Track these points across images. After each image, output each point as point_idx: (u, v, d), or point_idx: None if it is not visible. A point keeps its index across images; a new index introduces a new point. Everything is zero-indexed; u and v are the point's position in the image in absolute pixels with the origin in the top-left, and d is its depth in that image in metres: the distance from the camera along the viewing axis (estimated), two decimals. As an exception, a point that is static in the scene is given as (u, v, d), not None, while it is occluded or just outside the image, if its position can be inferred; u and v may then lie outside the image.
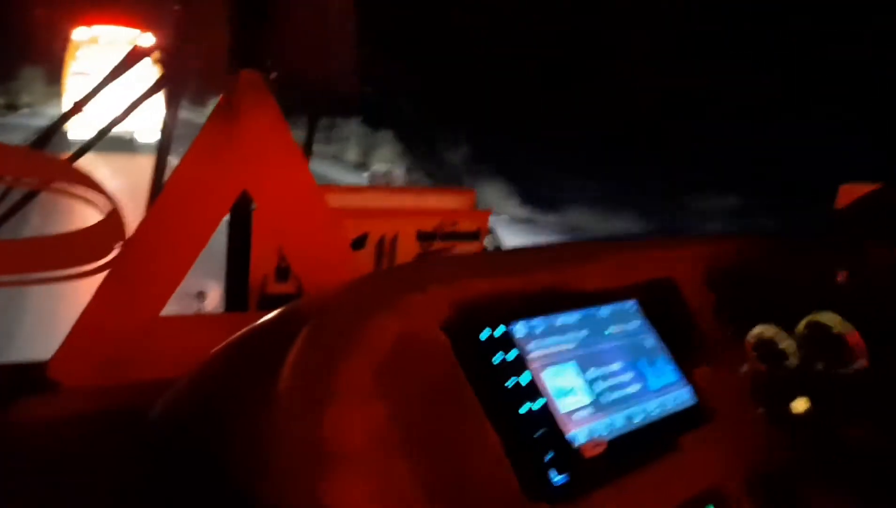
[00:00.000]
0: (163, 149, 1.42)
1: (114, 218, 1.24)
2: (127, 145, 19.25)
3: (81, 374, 1.25)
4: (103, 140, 1.51)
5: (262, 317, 1.40)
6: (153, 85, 1.36)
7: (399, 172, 1.67)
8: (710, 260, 1.11)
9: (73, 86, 19.49)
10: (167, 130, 1.41)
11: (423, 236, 1.46)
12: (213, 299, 1.52)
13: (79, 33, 19.72)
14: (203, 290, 1.50)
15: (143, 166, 1.37)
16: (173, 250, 1.26)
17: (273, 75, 1.27)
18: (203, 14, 1.24)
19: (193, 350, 1.33)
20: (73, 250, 1.23)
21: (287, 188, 1.30)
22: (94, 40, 19.68)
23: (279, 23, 1.25)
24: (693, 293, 1.04)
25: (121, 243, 1.24)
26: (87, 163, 1.26)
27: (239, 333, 0.85)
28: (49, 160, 1.23)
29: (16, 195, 1.29)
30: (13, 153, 1.24)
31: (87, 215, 1.22)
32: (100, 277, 1.24)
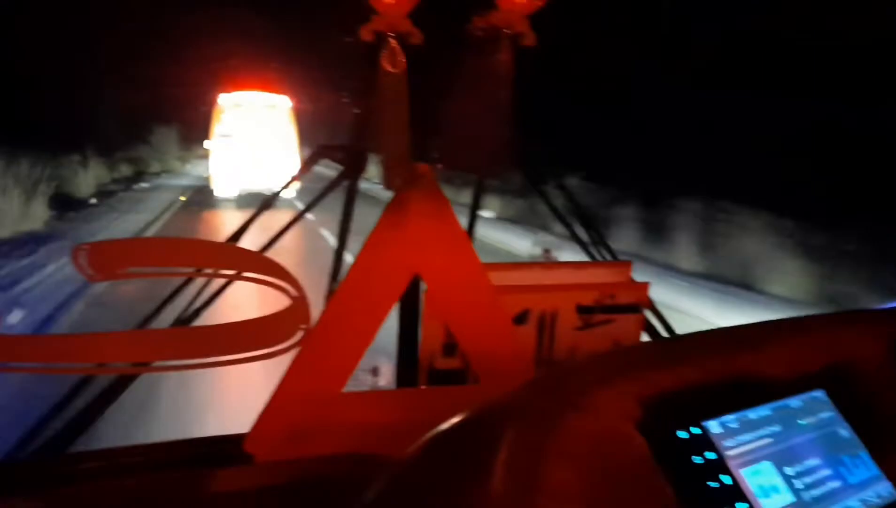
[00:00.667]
0: (342, 236, 1.53)
1: (300, 303, 1.35)
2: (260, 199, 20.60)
3: (273, 448, 1.36)
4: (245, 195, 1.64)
5: (431, 392, 1.48)
6: (336, 179, 1.48)
7: (555, 245, 1.71)
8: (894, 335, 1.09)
9: (219, 147, 21.24)
10: (346, 220, 1.52)
11: (583, 310, 1.50)
12: (386, 374, 1.62)
13: (224, 99, 21.59)
14: (377, 365, 1.59)
15: (282, 218, 1.50)
16: (354, 331, 1.36)
17: (439, 166, 1.35)
18: (379, 117, 1.35)
19: (372, 424, 1.42)
20: (264, 334, 1.35)
21: (454, 270, 1.38)
22: (237, 105, 21.49)
23: (446, 125, 1.35)
24: (881, 375, 1.01)
25: (305, 326, 1.35)
26: (234, 217, 1.40)
27: (440, 429, 0.90)
28: (246, 253, 1.36)
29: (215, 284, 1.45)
30: (216, 248, 1.39)
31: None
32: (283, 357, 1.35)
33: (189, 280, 1.42)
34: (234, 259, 1.36)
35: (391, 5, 1.24)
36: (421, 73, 1.28)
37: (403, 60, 1.28)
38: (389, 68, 1.27)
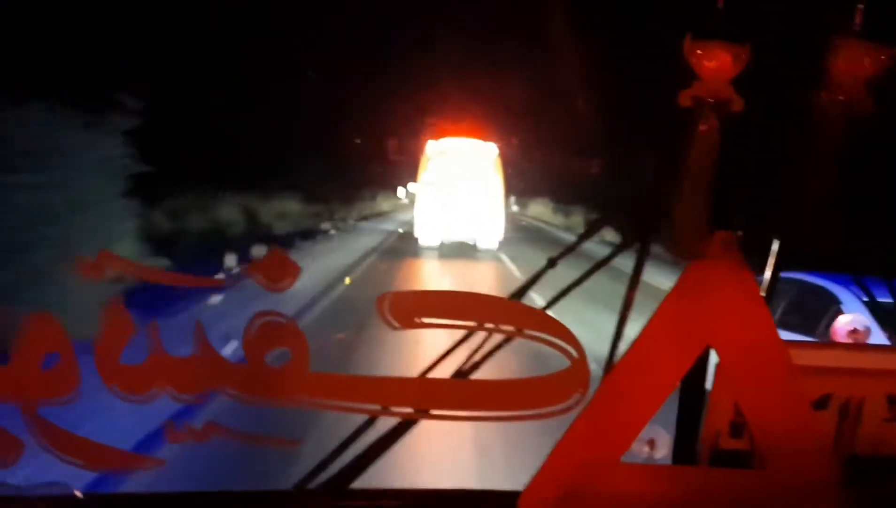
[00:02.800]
0: (626, 305, 1.50)
1: (580, 365, 1.32)
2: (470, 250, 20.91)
3: None
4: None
5: (714, 473, 1.38)
6: (622, 243, 1.46)
7: (868, 325, 1.55)
8: None
9: (424, 195, 21.93)
10: (633, 288, 1.49)
11: (895, 401, 1.33)
12: (662, 448, 1.54)
13: (431, 146, 22.33)
14: (654, 437, 1.52)
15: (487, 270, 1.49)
16: (637, 400, 1.31)
17: (739, 233, 1.28)
18: (683, 183, 1.31)
19: (648, 499, 1.35)
20: (542, 394, 1.34)
21: (752, 345, 1.29)
22: (443, 152, 22.11)
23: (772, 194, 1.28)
24: None
25: (583, 390, 1.31)
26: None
27: None
28: (529, 310, 1.37)
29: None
30: (502, 304, 1.41)
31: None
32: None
33: (472, 332, 1.45)
34: (519, 316, 1.38)
35: (713, 70, 1.20)
36: (738, 141, 1.22)
37: (717, 127, 1.24)
38: (705, 135, 1.23)
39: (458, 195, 21.54)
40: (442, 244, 21.20)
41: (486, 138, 22.99)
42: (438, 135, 23.35)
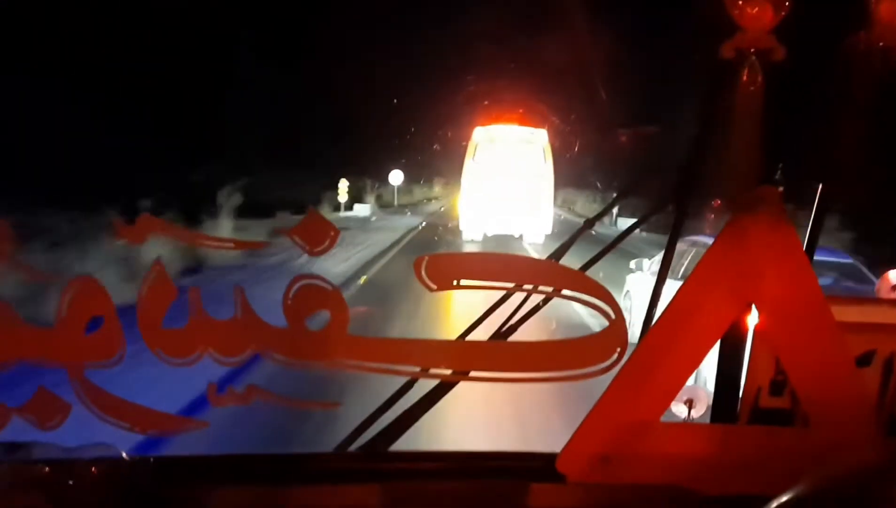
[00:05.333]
0: (665, 264, 1.48)
1: (619, 325, 1.31)
2: (516, 241, 20.11)
3: (585, 470, 1.33)
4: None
5: (754, 431, 1.37)
6: (659, 203, 1.44)
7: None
8: None
9: (470, 183, 21.07)
10: (671, 248, 1.47)
11: (942, 357, 1.31)
12: (701, 407, 1.53)
13: (478, 133, 21.43)
14: (692, 396, 1.52)
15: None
16: (676, 359, 1.30)
17: (781, 189, 1.25)
18: (734, 128, 1.29)
19: (688, 458, 1.35)
20: (581, 354, 1.33)
21: (793, 302, 1.27)
22: (491, 140, 21.22)
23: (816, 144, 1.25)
24: None
25: (622, 349, 1.31)
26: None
27: (805, 489, 0.81)
28: (567, 271, 1.36)
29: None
30: (539, 265, 1.40)
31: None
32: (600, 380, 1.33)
33: (508, 294, 1.44)
34: (556, 277, 1.37)
35: (755, 18, 1.17)
36: (780, 90, 1.20)
37: (761, 78, 1.21)
38: (750, 87, 1.20)
39: (506, 186, 20.34)
40: (484, 237, 20.28)
41: (535, 124, 21.60)
42: (486, 121, 21.93)
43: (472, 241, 20.20)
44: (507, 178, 20.48)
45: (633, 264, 8.49)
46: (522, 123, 21.73)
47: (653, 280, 1.51)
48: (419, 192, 49.23)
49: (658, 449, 1.34)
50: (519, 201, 20.03)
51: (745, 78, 1.22)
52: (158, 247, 1.31)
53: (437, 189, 50.70)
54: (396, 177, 34.07)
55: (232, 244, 1.27)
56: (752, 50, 1.22)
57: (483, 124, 21.61)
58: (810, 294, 1.27)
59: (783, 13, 1.20)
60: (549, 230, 20.45)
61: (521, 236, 20.25)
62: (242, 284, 1.30)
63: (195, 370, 1.30)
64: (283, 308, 1.25)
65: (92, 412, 1.26)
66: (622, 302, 5.31)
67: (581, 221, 1.47)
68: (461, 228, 20.80)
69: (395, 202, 36.71)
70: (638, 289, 7.81)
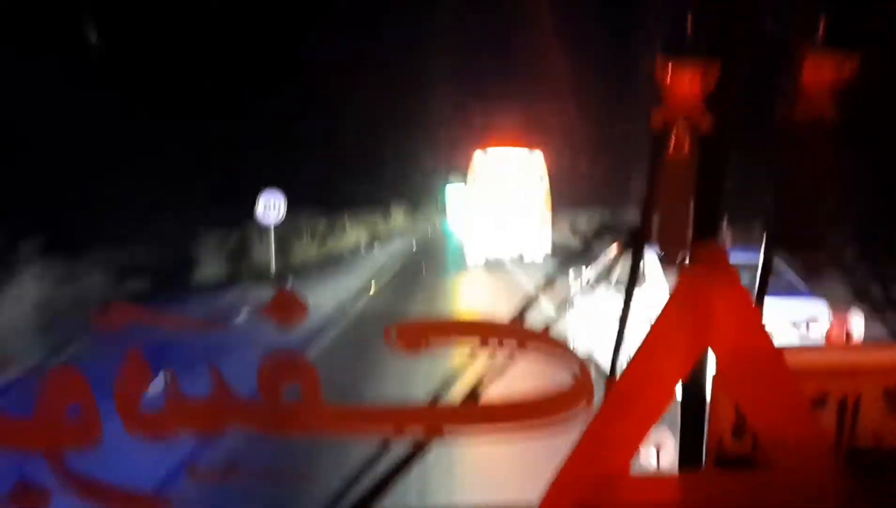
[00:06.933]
0: (624, 316, 1.54)
1: (585, 377, 1.37)
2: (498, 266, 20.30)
3: None
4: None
5: (719, 476, 1.42)
6: (614, 258, 1.51)
7: (859, 316, 1.59)
8: None
9: (473, 209, 21.37)
10: (628, 299, 1.54)
11: (892, 396, 1.37)
12: (668, 452, 1.58)
13: (478, 158, 21.87)
14: (659, 442, 1.56)
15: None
16: (642, 409, 1.35)
17: (726, 243, 1.33)
18: (665, 196, 1.37)
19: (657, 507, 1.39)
20: (549, 411, 1.38)
21: (746, 350, 1.33)
22: (490, 165, 21.62)
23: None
24: None
25: (589, 398, 1.36)
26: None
27: None
28: (531, 331, 1.41)
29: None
30: (505, 327, 1.46)
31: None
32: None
33: (478, 355, 1.49)
34: (522, 336, 1.42)
35: (684, 90, 1.25)
36: (713, 155, 1.28)
37: (688, 145, 1.29)
38: (675, 154, 1.28)
39: (507, 209, 20.98)
40: (486, 262, 20.70)
41: (530, 147, 22.44)
42: (485, 145, 22.76)
43: (476, 267, 20.43)
44: (508, 201, 20.97)
45: (571, 273, 8.49)
46: (519, 144, 22.31)
47: (593, 286, 1.60)
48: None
49: (629, 501, 1.38)
50: (519, 223, 20.45)
51: (673, 146, 1.30)
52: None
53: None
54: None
55: (199, 324, 1.31)
56: (682, 119, 1.30)
57: (482, 148, 22.16)
58: (762, 342, 1.33)
59: (712, 82, 1.28)
60: (548, 249, 20.74)
61: (521, 258, 20.52)
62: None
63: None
64: (257, 383, 1.28)
65: (71, 496, 1.28)
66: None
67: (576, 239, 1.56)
68: (466, 254, 21.05)
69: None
70: (577, 298, 7.92)
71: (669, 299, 1.31)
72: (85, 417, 1.23)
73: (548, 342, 1.41)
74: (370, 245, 30.82)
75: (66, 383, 1.24)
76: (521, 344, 1.41)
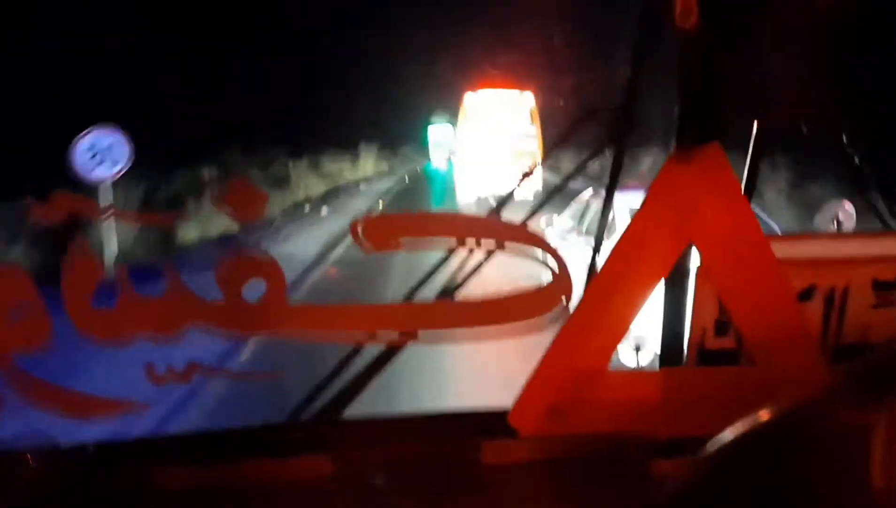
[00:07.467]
0: (606, 207, 1.47)
1: (563, 275, 1.30)
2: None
3: (536, 423, 1.33)
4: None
5: (700, 372, 1.38)
6: (599, 144, 1.43)
7: (850, 208, 1.54)
8: None
9: (464, 147, 21.65)
10: (612, 185, 1.46)
11: (880, 286, 1.32)
12: (649, 351, 1.54)
13: (469, 99, 22.15)
14: (639, 342, 1.52)
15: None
16: (620, 303, 1.29)
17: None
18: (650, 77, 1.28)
19: (636, 404, 1.35)
20: (528, 307, 1.32)
21: (733, 241, 1.27)
22: (481, 106, 21.97)
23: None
24: None
25: (568, 299, 1.30)
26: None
27: (755, 420, 0.81)
28: (508, 225, 1.34)
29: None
30: (480, 221, 1.38)
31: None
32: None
33: (452, 253, 1.42)
34: (498, 231, 1.35)
35: None
36: (714, 26, 1.18)
37: (696, 14, 1.19)
38: (683, 24, 1.19)
39: (498, 148, 21.17)
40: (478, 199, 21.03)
41: (521, 87, 22.43)
42: (477, 87, 22.83)
43: (467, 204, 20.91)
44: (499, 140, 21.48)
45: (543, 220, 8.44)
46: (509, 86, 22.61)
47: (563, 235, 1.53)
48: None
49: (607, 397, 1.34)
50: (510, 161, 20.96)
51: (679, 16, 1.20)
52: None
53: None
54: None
55: (152, 218, 1.23)
56: None
57: (473, 90, 22.48)
58: (750, 232, 1.27)
59: None
60: (539, 187, 21.15)
61: (512, 195, 20.89)
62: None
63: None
64: (216, 281, 1.21)
65: (25, 401, 1.22)
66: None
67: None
68: (456, 190, 21.57)
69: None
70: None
71: (654, 184, 1.24)
72: (32, 316, 1.15)
73: (525, 237, 1.34)
74: (318, 205, 20.74)
75: (10, 282, 1.16)
76: (499, 243, 1.34)
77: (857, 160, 1.43)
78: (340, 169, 28.65)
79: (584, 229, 6.87)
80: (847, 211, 1.72)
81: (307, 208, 19.84)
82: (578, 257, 1.38)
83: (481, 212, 1.41)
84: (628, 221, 1.26)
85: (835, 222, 1.68)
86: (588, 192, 6.44)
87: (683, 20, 1.19)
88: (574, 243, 6.90)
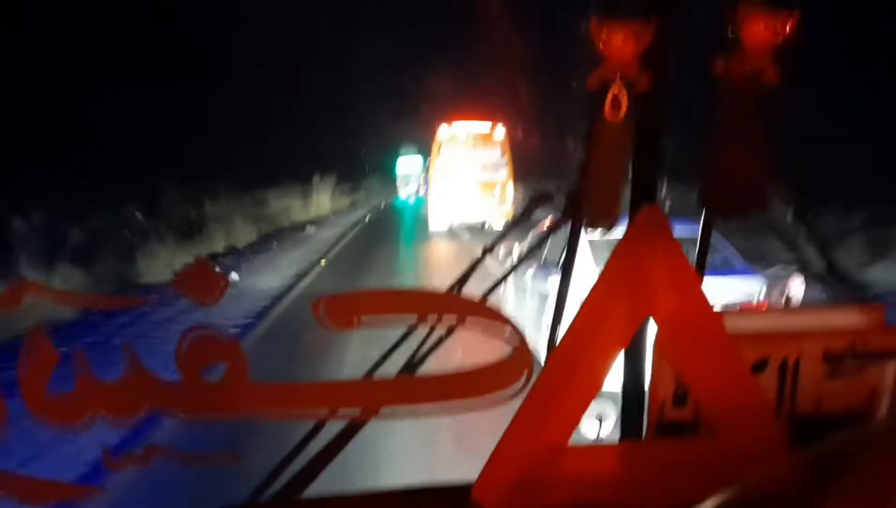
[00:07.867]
0: (564, 283, 1.50)
1: (522, 350, 1.32)
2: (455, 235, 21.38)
3: (501, 499, 1.33)
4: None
5: (661, 446, 1.39)
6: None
7: (798, 280, 1.58)
8: None
9: (437, 179, 22.23)
10: (568, 266, 1.49)
11: (831, 358, 1.36)
12: (609, 422, 1.55)
13: (443, 131, 22.83)
14: (601, 413, 1.53)
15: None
16: (581, 379, 1.31)
17: (665, 208, 1.29)
18: (600, 159, 1.32)
19: (600, 478, 1.36)
20: (489, 382, 1.33)
21: (685, 315, 1.30)
22: (454, 138, 22.67)
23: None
24: None
25: (528, 372, 1.32)
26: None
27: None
28: (468, 302, 1.37)
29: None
30: (441, 298, 1.40)
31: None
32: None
33: (413, 329, 1.44)
34: (457, 307, 1.37)
35: (619, 49, 1.21)
36: (650, 116, 1.24)
37: (626, 106, 1.25)
38: (610, 116, 1.24)
39: (470, 179, 22.03)
40: (450, 229, 21.57)
41: (493, 120, 23.61)
42: (450, 120, 23.76)
43: (439, 233, 21.37)
44: (471, 172, 22.24)
45: (502, 250, 8.34)
46: (481, 118, 23.52)
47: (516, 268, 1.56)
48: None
49: (570, 473, 1.34)
50: (482, 192, 21.61)
51: (608, 107, 1.26)
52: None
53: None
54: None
55: (113, 302, 1.22)
56: (618, 79, 1.26)
57: (447, 123, 23.25)
58: (700, 308, 1.30)
59: (647, 41, 1.24)
60: (509, 218, 21.78)
61: (484, 226, 21.50)
62: (136, 337, 1.25)
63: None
64: (176, 362, 1.21)
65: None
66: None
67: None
68: (429, 220, 22.11)
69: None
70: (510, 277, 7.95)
71: (607, 264, 1.27)
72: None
73: (485, 314, 1.36)
74: (229, 264, 14.35)
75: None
76: (460, 319, 1.36)
77: (801, 236, 1.49)
78: (287, 207, 25.04)
79: (541, 260, 6.94)
80: (797, 284, 1.76)
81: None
82: (537, 286, 1.40)
83: (453, 246, 1.43)
84: (588, 253, 1.30)
85: (784, 297, 1.73)
86: (547, 221, 6.47)
87: (613, 115, 1.25)
88: (531, 273, 6.99)
